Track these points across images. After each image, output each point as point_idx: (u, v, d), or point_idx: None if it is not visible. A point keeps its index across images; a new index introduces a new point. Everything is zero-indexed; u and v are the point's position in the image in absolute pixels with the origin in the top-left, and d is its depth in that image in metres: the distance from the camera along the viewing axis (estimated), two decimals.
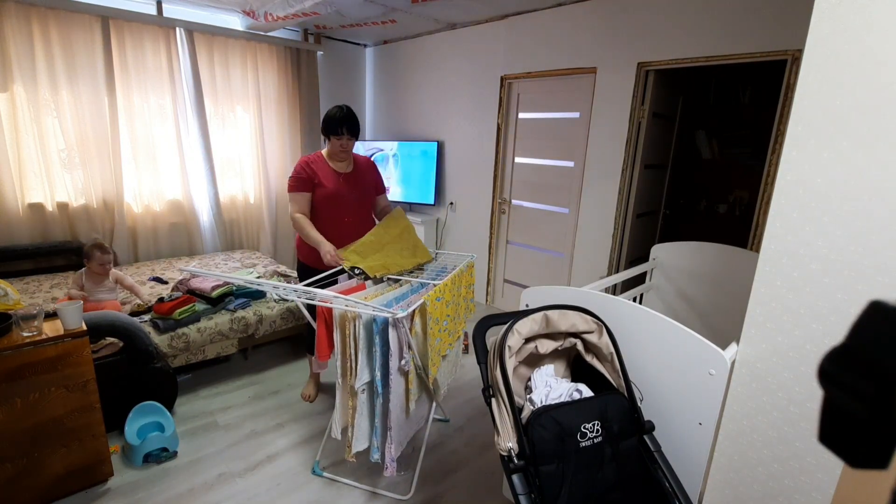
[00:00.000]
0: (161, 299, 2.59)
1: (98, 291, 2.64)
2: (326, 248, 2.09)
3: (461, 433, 2.39)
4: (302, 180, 2.21)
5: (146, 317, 2.58)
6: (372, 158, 2.66)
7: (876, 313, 0.32)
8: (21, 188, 3.30)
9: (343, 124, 2.15)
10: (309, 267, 2.31)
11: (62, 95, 3.32)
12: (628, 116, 3.05)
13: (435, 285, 1.88)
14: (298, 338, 3.17)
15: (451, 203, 4.41)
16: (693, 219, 4.36)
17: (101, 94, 3.45)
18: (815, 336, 1.22)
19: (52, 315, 1.79)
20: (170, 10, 3.68)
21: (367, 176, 2.38)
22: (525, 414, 1.38)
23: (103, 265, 2.64)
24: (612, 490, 1.34)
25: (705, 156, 4.19)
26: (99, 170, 3.55)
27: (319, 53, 4.62)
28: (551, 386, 1.48)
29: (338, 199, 2.27)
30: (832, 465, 1.23)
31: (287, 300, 2.90)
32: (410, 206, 4.75)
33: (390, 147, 4.68)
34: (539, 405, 1.38)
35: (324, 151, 2.31)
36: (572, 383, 1.50)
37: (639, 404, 1.43)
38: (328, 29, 4.38)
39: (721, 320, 2.33)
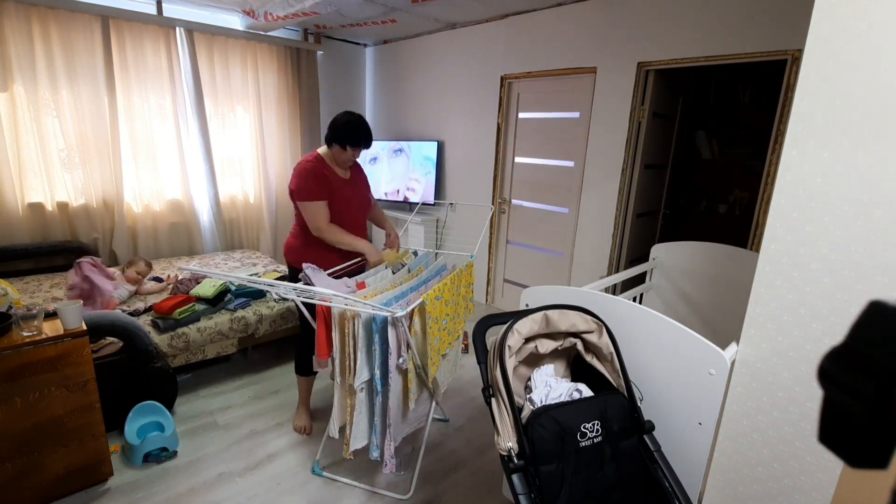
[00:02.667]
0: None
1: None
2: (370, 248, 2.17)
3: (461, 433, 2.39)
4: (318, 188, 2.07)
5: (146, 316, 2.59)
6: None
7: (876, 313, 0.32)
8: (21, 188, 3.30)
9: (366, 137, 2.09)
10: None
11: (62, 95, 3.32)
12: (628, 116, 3.05)
13: (434, 285, 1.88)
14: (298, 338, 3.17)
15: (451, 203, 4.41)
16: (693, 219, 4.36)
17: (101, 93, 3.45)
18: (815, 336, 1.22)
19: (52, 315, 1.79)
20: (170, 10, 3.68)
21: (362, 180, 2.35)
22: (525, 414, 1.38)
23: (141, 273, 2.88)
24: (612, 490, 1.34)
25: (705, 156, 4.19)
26: (99, 170, 3.55)
27: (319, 53, 4.62)
28: (551, 386, 1.48)
29: (350, 205, 2.21)
30: (832, 465, 1.23)
31: (287, 300, 2.90)
32: (411, 206, 4.75)
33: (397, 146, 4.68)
34: (539, 405, 1.38)
35: (321, 151, 2.15)
36: (572, 383, 1.50)
37: (639, 404, 1.43)
38: (328, 29, 4.38)
39: (721, 320, 2.33)
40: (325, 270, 2.04)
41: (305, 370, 2.30)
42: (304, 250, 2.18)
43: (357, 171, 2.33)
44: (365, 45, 5.02)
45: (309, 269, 1.86)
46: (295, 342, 2.47)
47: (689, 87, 3.81)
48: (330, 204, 2.12)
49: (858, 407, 0.31)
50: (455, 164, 4.35)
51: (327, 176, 2.11)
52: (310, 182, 2.06)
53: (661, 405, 1.48)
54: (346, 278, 2.03)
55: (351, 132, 2.05)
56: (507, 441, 1.29)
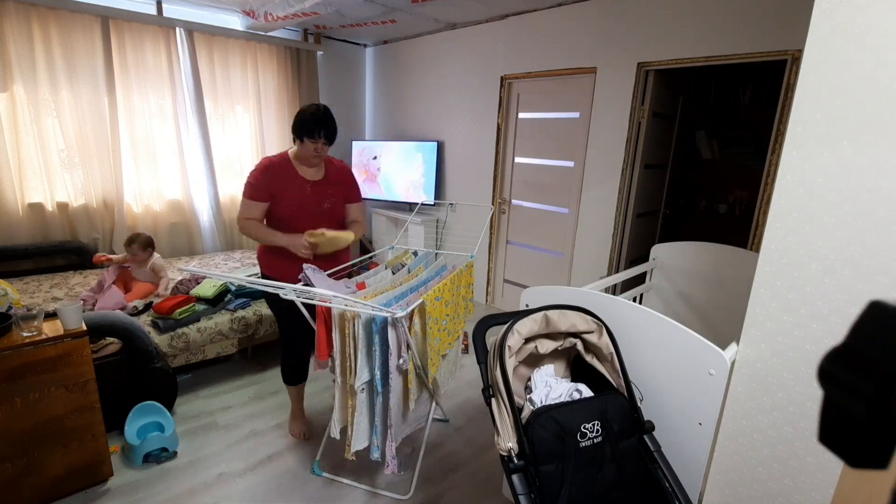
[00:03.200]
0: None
1: (139, 273, 2.94)
2: (295, 240, 1.91)
3: (461, 433, 2.39)
4: (257, 188, 1.93)
5: (146, 316, 2.59)
6: (348, 164, 2.31)
7: (876, 313, 0.32)
8: (21, 188, 3.30)
9: (320, 126, 1.87)
10: (276, 280, 1.94)
11: (62, 95, 3.32)
12: (628, 116, 3.05)
13: (434, 285, 1.87)
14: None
15: (451, 203, 4.41)
16: (693, 219, 4.36)
17: (101, 94, 3.45)
18: (815, 336, 1.22)
19: (52, 315, 1.79)
20: (170, 10, 3.68)
21: (338, 184, 2.10)
22: (525, 414, 1.38)
23: (133, 256, 2.87)
24: (612, 490, 1.34)
25: (705, 156, 4.19)
26: (99, 170, 3.55)
27: (319, 53, 4.62)
28: (551, 386, 1.48)
29: (302, 210, 1.98)
30: (832, 465, 1.23)
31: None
32: (411, 207, 4.75)
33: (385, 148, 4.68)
34: (539, 405, 1.38)
35: (290, 152, 2.00)
36: (572, 383, 1.50)
37: (639, 404, 1.43)
38: (328, 29, 4.38)
39: (721, 320, 2.33)
40: (280, 277, 1.92)
41: (292, 379, 2.21)
42: (271, 258, 2.05)
43: (336, 176, 2.10)
44: (365, 46, 5.02)
45: (309, 269, 1.86)
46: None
47: (689, 87, 3.81)
48: (275, 204, 1.98)
49: (858, 407, 0.31)
50: (455, 164, 4.35)
51: (281, 175, 1.96)
52: (255, 180, 1.94)
53: (661, 405, 1.48)
54: (345, 279, 2.03)
55: (304, 122, 1.87)
56: (508, 441, 1.29)
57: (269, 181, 1.94)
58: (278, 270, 2.04)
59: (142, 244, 2.86)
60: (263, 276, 2.10)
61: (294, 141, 1.96)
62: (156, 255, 2.99)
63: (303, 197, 1.99)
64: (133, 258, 2.87)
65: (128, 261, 2.91)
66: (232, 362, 3.01)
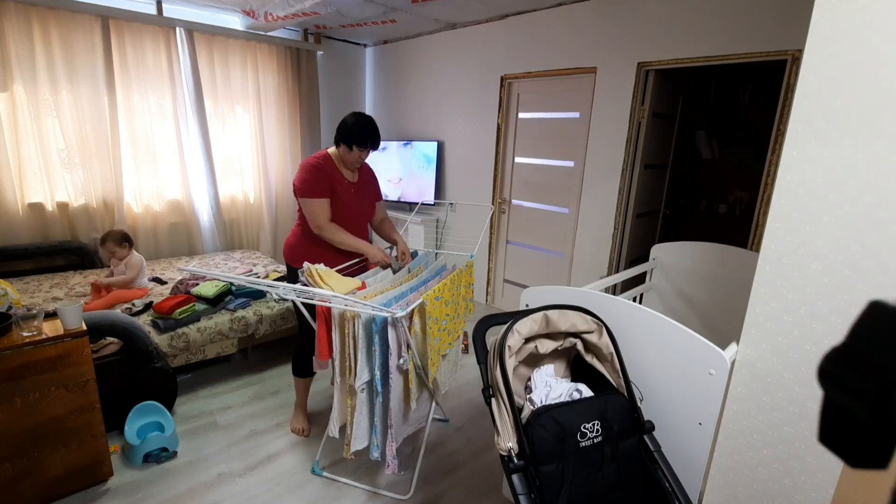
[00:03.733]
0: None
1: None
2: (372, 248, 2.13)
3: (461, 433, 2.39)
4: (321, 186, 2.03)
5: (146, 316, 2.59)
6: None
7: (876, 313, 0.32)
8: (21, 188, 3.30)
9: (373, 138, 2.06)
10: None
11: (62, 95, 3.32)
12: (628, 116, 3.05)
13: (434, 285, 1.87)
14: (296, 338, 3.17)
15: (451, 203, 4.42)
16: (693, 219, 4.36)
17: (101, 94, 3.45)
18: (815, 336, 1.22)
19: (52, 315, 1.79)
20: (170, 10, 3.68)
21: (370, 184, 2.29)
22: (525, 414, 1.38)
23: (112, 254, 2.88)
24: (612, 490, 1.34)
25: (705, 156, 4.19)
26: (99, 170, 3.55)
27: (319, 53, 4.62)
28: (551, 386, 1.48)
29: (347, 210, 2.13)
30: (832, 465, 1.23)
31: (287, 300, 2.90)
32: (411, 206, 4.75)
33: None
34: (539, 405, 1.38)
35: (331, 151, 2.14)
36: (572, 383, 1.50)
37: (639, 404, 1.43)
38: (328, 29, 4.38)
39: (721, 320, 2.33)
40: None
41: (303, 371, 2.26)
42: (302, 250, 2.13)
43: (366, 176, 2.27)
44: (365, 45, 5.02)
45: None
46: (294, 342, 2.46)
47: (689, 87, 3.81)
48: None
49: (858, 407, 0.31)
50: (455, 164, 4.35)
51: (331, 175, 2.08)
52: (312, 178, 2.03)
53: (661, 405, 1.48)
54: (347, 279, 2.03)
55: (357, 132, 2.03)
56: (508, 441, 1.29)
57: (325, 179, 2.05)
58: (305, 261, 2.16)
59: (115, 240, 2.85)
60: (288, 267, 2.23)
61: (338, 145, 2.08)
62: (135, 253, 2.95)
63: (348, 197, 2.13)
64: (112, 255, 2.87)
65: (112, 264, 2.92)
66: (232, 362, 3.01)
